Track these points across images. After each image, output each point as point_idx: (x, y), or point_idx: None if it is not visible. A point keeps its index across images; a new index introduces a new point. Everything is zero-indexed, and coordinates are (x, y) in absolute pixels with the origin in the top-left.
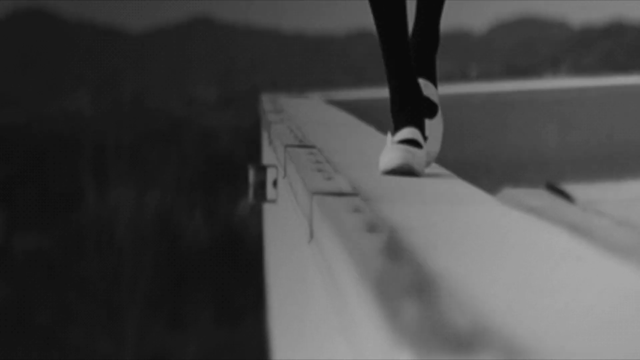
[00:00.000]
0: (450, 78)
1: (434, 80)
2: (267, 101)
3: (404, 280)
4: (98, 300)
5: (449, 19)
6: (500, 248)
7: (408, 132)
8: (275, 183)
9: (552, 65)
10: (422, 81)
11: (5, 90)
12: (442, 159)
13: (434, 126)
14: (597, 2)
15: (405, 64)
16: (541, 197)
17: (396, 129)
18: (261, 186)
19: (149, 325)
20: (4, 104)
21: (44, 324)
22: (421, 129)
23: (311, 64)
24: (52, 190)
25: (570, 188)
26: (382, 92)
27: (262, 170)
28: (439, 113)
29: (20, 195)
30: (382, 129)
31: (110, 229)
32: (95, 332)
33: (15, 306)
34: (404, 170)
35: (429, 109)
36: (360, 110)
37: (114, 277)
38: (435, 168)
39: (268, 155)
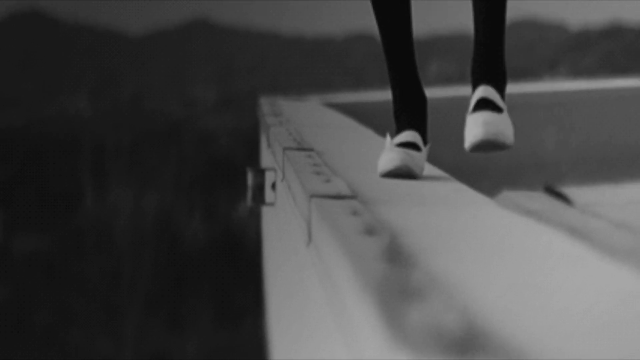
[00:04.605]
0: (449, 80)
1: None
2: (265, 104)
3: (402, 282)
4: (98, 300)
5: (448, 21)
6: (499, 251)
7: (407, 135)
8: (273, 186)
9: (550, 67)
10: (484, 87)
11: (4, 92)
12: (440, 162)
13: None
14: (596, 4)
15: (408, 66)
16: (540, 200)
17: (397, 131)
18: (260, 189)
19: (149, 326)
20: (3, 106)
21: (43, 324)
22: (421, 132)
23: (310, 66)
24: (51, 191)
25: (569, 191)
26: (381, 95)
27: (260, 173)
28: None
29: (20, 196)
30: (381, 132)
31: (109, 229)
32: (95, 333)
33: (15, 307)
34: (402, 173)
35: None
36: (359, 113)
37: (113, 277)
38: (433, 170)
39: (267, 158)
